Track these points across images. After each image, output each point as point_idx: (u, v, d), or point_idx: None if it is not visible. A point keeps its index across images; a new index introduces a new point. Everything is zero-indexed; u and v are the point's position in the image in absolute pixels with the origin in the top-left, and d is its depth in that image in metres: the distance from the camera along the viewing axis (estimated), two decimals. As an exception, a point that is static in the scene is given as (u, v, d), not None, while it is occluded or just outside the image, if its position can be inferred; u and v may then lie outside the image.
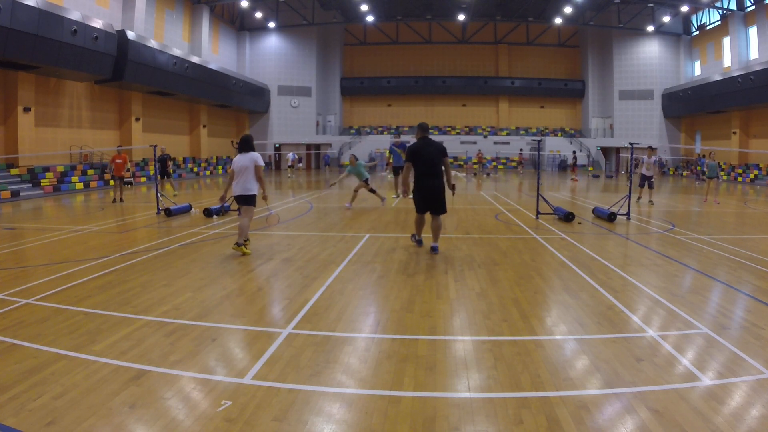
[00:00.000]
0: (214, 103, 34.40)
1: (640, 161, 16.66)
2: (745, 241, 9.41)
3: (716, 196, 17.03)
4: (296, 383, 3.50)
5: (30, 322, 4.69)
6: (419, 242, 8.52)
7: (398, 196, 16.12)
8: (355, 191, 14.49)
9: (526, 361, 3.88)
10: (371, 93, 46.86)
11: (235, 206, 12.85)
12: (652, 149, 16.37)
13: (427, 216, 8.22)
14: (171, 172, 18.44)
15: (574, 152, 33.09)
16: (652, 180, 16.16)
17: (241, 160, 8.04)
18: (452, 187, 8.09)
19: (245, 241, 8.10)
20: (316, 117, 43.39)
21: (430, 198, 7.88)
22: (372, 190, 14.50)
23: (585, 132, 45.46)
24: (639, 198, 16.36)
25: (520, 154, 40.95)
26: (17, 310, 5.07)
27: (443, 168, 7.93)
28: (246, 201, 8.03)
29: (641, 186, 16.24)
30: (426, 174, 7.85)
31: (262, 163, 8.04)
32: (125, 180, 18.67)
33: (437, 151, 7.90)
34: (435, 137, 46.70)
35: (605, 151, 42.78)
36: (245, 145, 8.15)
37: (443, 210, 7.98)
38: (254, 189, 8.03)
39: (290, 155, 33.79)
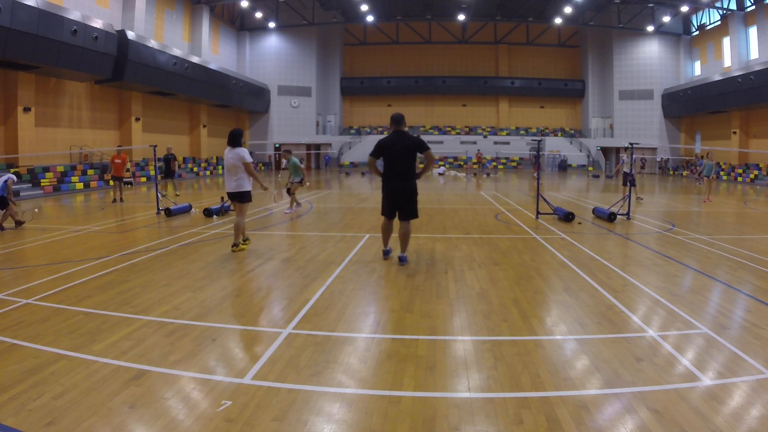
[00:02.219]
0: (214, 103, 34.41)
1: (620, 162, 17.10)
2: (745, 241, 9.41)
3: (708, 194, 17.26)
4: (296, 383, 3.50)
5: (30, 322, 4.69)
6: (386, 253, 7.34)
7: None
8: (292, 193, 13.34)
9: (526, 361, 3.88)
10: (371, 93, 46.87)
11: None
12: (626, 149, 16.82)
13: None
14: (175, 171, 18.22)
15: (537, 150, 32.10)
16: (634, 177, 16.49)
17: (228, 156, 7.88)
18: (417, 175, 7.14)
19: (245, 240, 8.30)
20: (316, 117, 43.40)
21: (395, 201, 7.03)
22: (289, 192, 13.40)
23: (585, 132, 45.46)
24: (638, 198, 16.45)
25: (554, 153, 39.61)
26: (17, 310, 5.07)
27: (421, 162, 7.02)
28: (241, 198, 7.94)
29: (625, 185, 16.25)
30: (392, 174, 6.95)
31: (249, 159, 7.86)
32: (125, 180, 18.64)
33: (410, 147, 6.87)
34: (435, 137, 46.66)
35: (605, 151, 42.79)
36: (232, 140, 7.91)
37: (413, 215, 7.08)
38: (248, 185, 7.92)
39: None
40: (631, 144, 13.26)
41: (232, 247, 8.04)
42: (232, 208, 12.82)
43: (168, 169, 17.47)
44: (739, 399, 3.29)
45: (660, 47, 39.98)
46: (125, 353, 3.98)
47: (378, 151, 6.99)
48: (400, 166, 6.91)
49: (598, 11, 38.49)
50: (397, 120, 7.01)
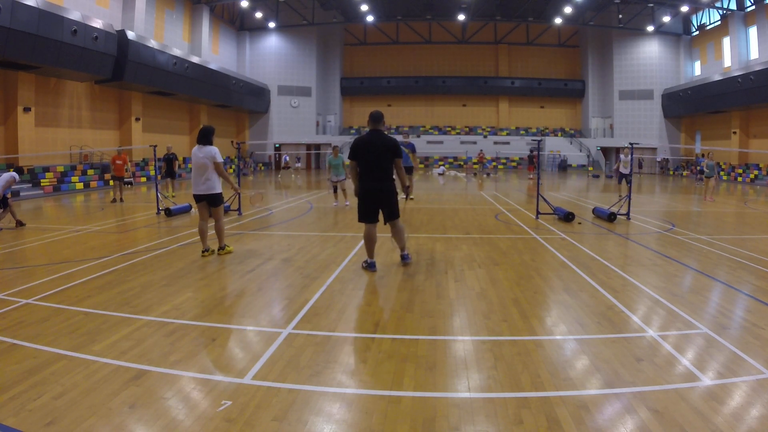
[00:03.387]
0: (214, 103, 34.41)
1: (618, 160, 17.71)
2: (745, 241, 9.41)
3: (712, 194, 17.34)
4: (296, 383, 3.50)
5: (30, 322, 4.69)
6: (371, 266, 6.76)
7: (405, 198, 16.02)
8: (343, 190, 14.45)
9: (526, 361, 3.88)
10: (371, 93, 46.87)
11: (234, 206, 12.84)
12: (624, 148, 17.97)
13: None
14: (176, 171, 17.75)
15: (532, 150, 32.17)
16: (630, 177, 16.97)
17: (197, 155, 7.44)
18: (405, 189, 6.95)
19: (220, 249, 7.89)
20: (316, 117, 43.40)
21: (373, 204, 6.65)
22: (337, 190, 14.48)
23: (585, 132, 45.46)
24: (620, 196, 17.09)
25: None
26: (17, 310, 5.07)
27: (395, 169, 6.68)
28: (212, 201, 7.58)
29: (620, 183, 17.54)
30: (368, 175, 6.59)
31: (220, 159, 7.45)
32: (125, 180, 18.60)
33: (386, 148, 6.54)
34: (435, 137, 46.56)
35: (605, 151, 42.78)
36: (202, 138, 7.50)
37: (393, 214, 6.73)
38: (218, 187, 7.54)
39: (284, 157, 34.44)
40: (632, 144, 13.22)
41: (218, 250, 7.76)
42: (233, 208, 12.84)
43: (169, 169, 17.26)
44: (739, 399, 3.29)
45: (660, 47, 39.97)
46: (125, 353, 3.98)
47: (354, 152, 6.64)
48: (376, 166, 6.57)
49: (598, 11, 38.50)
50: (376, 118, 6.69)
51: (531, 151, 30.27)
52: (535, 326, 4.68)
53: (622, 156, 17.27)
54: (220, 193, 7.60)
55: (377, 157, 6.55)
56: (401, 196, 9.17)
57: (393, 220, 6.78)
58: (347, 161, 7.88)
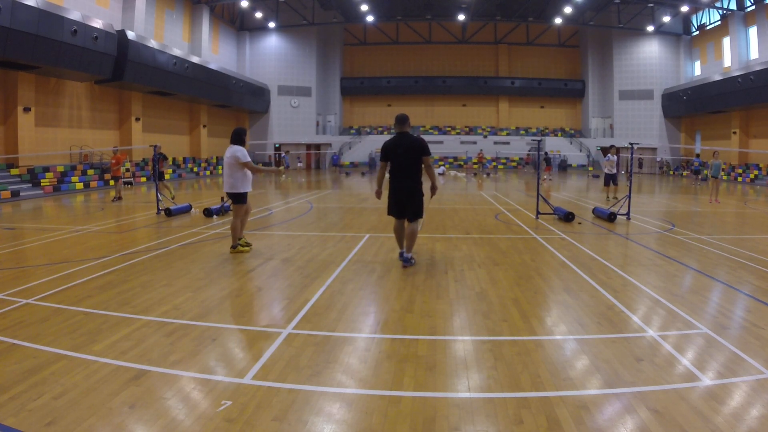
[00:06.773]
0: (214, 103, 34.41)
1: (607, 159, 17.39)
2: (745, 241, 9.41)
3: (716, 195, 17.02)
4: (296, 383, 3.50)
5: (30, 322, 4.68)
6: (401, 255, 7.25)
7: None
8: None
9: (526, 361, 3.88)
10: (371, 93, 46.85)
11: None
12: (611, 148, 17.31)
13: None
14: (162, 172, 16.31)
15: (546, 152, 31.75)
16: (616, 177, 17.02)
17: (226, 154, 7.82)
18: (432, 189, 7.27)
19: (246, 244, 8.16)
20: (316, 117, 43.39)
21: (398, 201, 7.05)
22: None
23: (585, 132, 45.46)
24: (608, 197, 17.13)
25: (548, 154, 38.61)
26: (17, 310, 5.07)
27: (423, 167, 7.01)
28: (235, 199, 7.84)
29: (606, 185, 17.08)
30: (396, 174, 7.01)
31: (244, 159, 7.65)
32: (125, 180, 18.49)
33: (411, 148, 6.88)
34: (435, 137, 46.49)
35: (605, 151, 42.76)
36: (232, 138, 7.86)
37: (416, 215, 7.03)
38: (241, 186, 7.75)
39: (285, 157, 34.29)
40: (632, 144, 13.20)
41: (231, 248, 7.98)
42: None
43: (156, 170, 15.82)
44: (739, 399, 3.29)
45: (660, 47, 39.97)
46: (125, 353, 3.98)
47: (385, 153, 7.08)
48: (403, 166, 6.94)
49: (598, 11, 38.49)
50: (401, 121, 7.02)
51: (545, 152, 29.95)
52: (535, 326, 4.68)
53: (610, 156, 16.92)
54: (242, 193, 7.83)
55: (404, 158, 6.93)
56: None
57: (413, 221, 7.10)
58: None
